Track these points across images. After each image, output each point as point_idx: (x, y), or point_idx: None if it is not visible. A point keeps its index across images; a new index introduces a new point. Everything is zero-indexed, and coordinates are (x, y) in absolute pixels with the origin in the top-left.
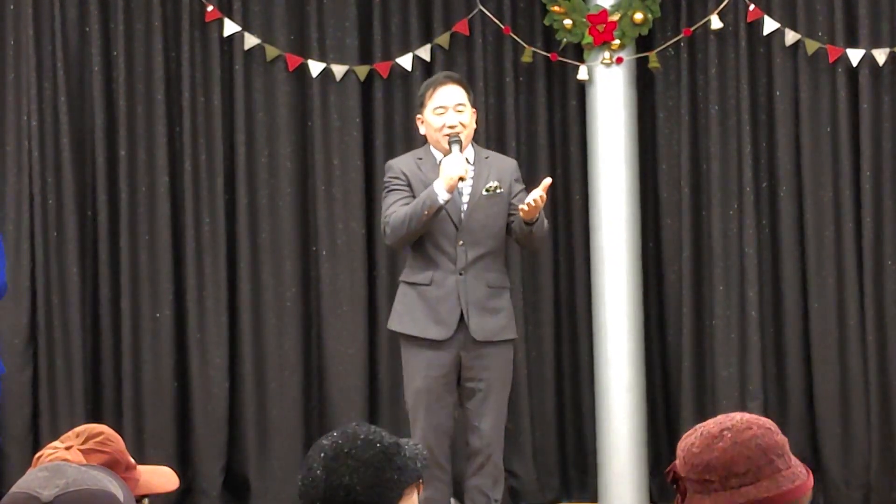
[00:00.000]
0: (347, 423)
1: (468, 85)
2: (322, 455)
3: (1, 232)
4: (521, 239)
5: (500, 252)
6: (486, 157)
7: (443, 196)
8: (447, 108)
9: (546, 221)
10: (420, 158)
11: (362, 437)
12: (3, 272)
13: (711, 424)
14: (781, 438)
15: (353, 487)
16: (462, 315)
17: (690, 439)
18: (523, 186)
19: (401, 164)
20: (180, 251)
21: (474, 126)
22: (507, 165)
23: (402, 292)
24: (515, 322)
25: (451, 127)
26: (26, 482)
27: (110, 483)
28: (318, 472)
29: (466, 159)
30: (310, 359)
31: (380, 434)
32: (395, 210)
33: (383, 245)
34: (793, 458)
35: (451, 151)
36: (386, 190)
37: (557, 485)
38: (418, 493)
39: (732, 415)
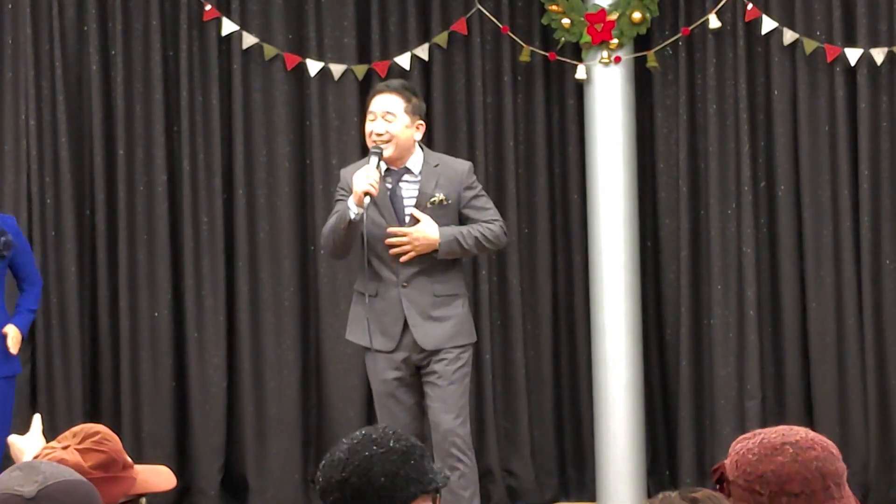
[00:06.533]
0: (346, 422)
1: (412, 94)
2: (349, 439)
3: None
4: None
5: (449, 261)
6: (436, 165)
7: (354, 210)
8: (376, 116)
9: (464, 241)
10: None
11: (392, 433)
12: (36, 273)
13: (773, 434)
14: (842, 466)
15: (370, 471)
16: (405, 326)
17: (748, 444)
18: (475, 192)
19: (348, 175)
20: (178, 250)
21: (413, 137)
22: (456, 173)
23: (354, 301)
24: (514, 322)
25: (378, 135)
26: (3, 483)
27: (82, 477)
28: (342, 452)
29: (413, 169)
30: (308, 358)
31: (410, 438)
32: (328, 222)
33: None
34: (847, 487)
35: (369, 162)
36: (334, 199)
37: (556, 484)
38: None
39: (797, 429)
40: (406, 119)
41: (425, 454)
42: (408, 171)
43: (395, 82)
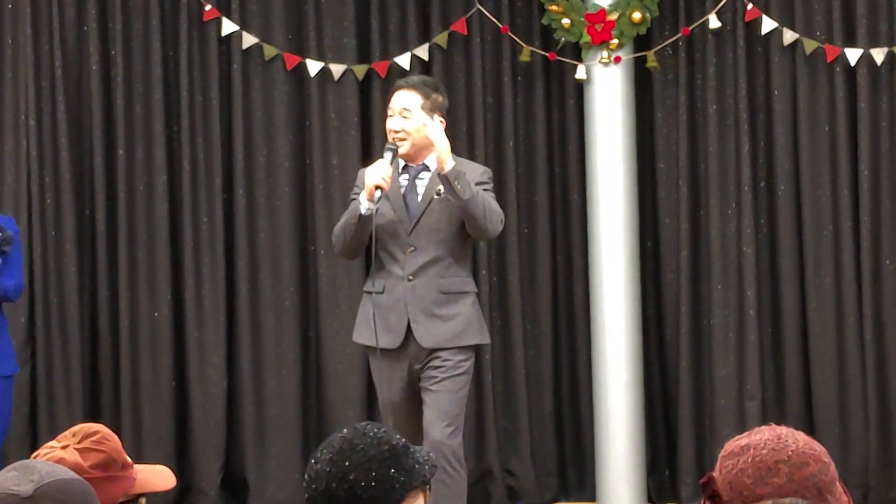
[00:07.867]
0: (346, 422)
1: (431, 90)
2: (330, 447)
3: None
4: (465, 221)
5: (457, 257)
6: None
7: (364, 205)
8: (394, 112)
9: (470, 185)
10: None
11: (372, 434)
12: (20, 272)
13: (764, 451)
14: (834, 470)
15: (354, 481)
16: (410, 325)
17: (739, 463)
18: (486, 186)
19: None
20: (178, 251)
21: (433, 134)
22: (471, 170)
23: (362, 302)
24: (514, 322)
25: (395, 132)
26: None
27: (78, 476)
28: (324, 463)
29: (421, 167)
30: (308, 358)
31: (391, 434)
32: (340, 221)
33: None
34: (837, 484)
35: (383, 157)
36: (349, 199)
37: (556, 484)
38: (425, 499)
39: (784, 438)
40: (423, 116)
41: (409, 449)
42: (426, 168)
43: (415, 79)
